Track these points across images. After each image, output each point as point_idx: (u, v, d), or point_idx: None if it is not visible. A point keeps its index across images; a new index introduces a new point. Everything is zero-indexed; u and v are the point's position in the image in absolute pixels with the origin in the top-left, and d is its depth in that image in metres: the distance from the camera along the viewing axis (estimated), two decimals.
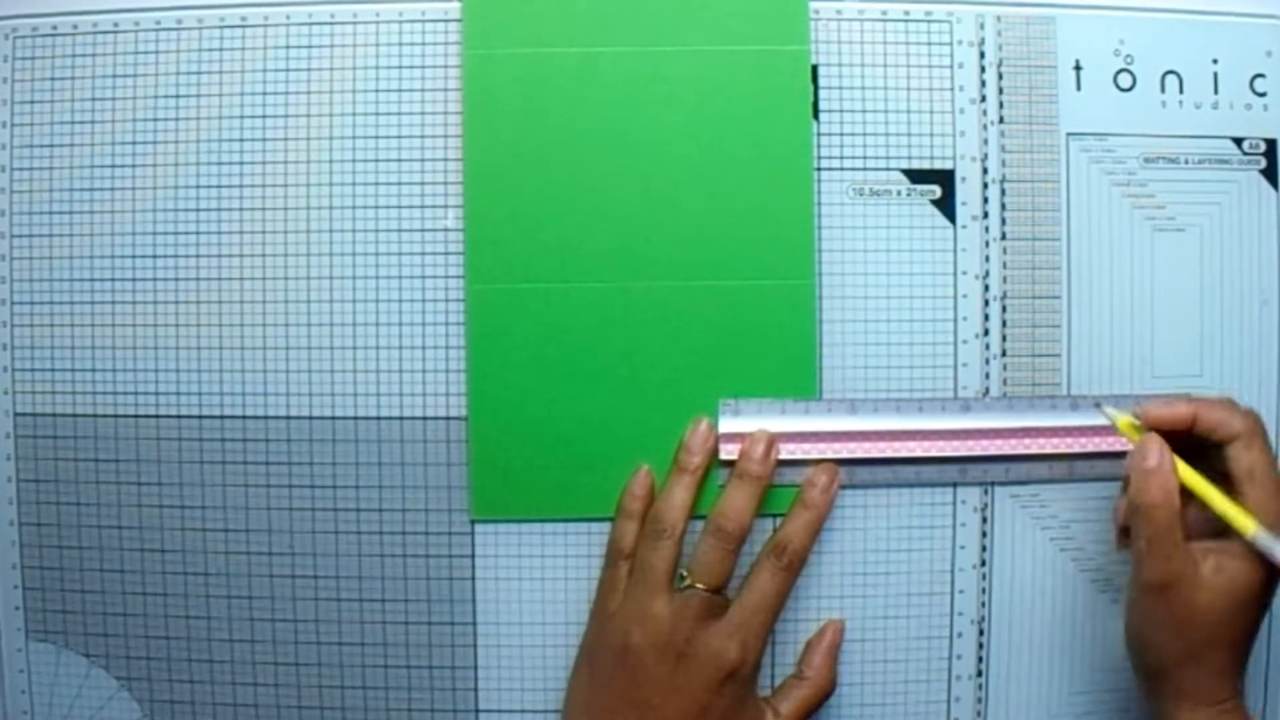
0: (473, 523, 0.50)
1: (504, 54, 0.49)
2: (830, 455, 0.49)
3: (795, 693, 0.48)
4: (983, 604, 0.51)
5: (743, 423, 0.49)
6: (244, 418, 0.50)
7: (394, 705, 0.50)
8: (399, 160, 0.50)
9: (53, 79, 0.50)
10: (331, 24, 0.50)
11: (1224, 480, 0.45)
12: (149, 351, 0.50)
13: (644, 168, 0.49)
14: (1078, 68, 0.51)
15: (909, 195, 0.50)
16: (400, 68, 0.50)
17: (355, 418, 0.50)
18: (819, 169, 0.50)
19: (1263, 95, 0.51)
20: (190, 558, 0.50)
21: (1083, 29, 0.51)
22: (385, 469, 0.50)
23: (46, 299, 0.51)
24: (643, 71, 0.49)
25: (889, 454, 0.49)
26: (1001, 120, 0.50)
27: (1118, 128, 0.51)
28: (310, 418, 0.50)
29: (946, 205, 0.50)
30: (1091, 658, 0.51)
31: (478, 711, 0.50)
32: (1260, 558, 0.43)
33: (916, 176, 0.50)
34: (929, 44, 0.50)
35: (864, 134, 0.50)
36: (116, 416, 0.50)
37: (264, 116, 0.50)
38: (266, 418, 0.50)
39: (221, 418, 0.50)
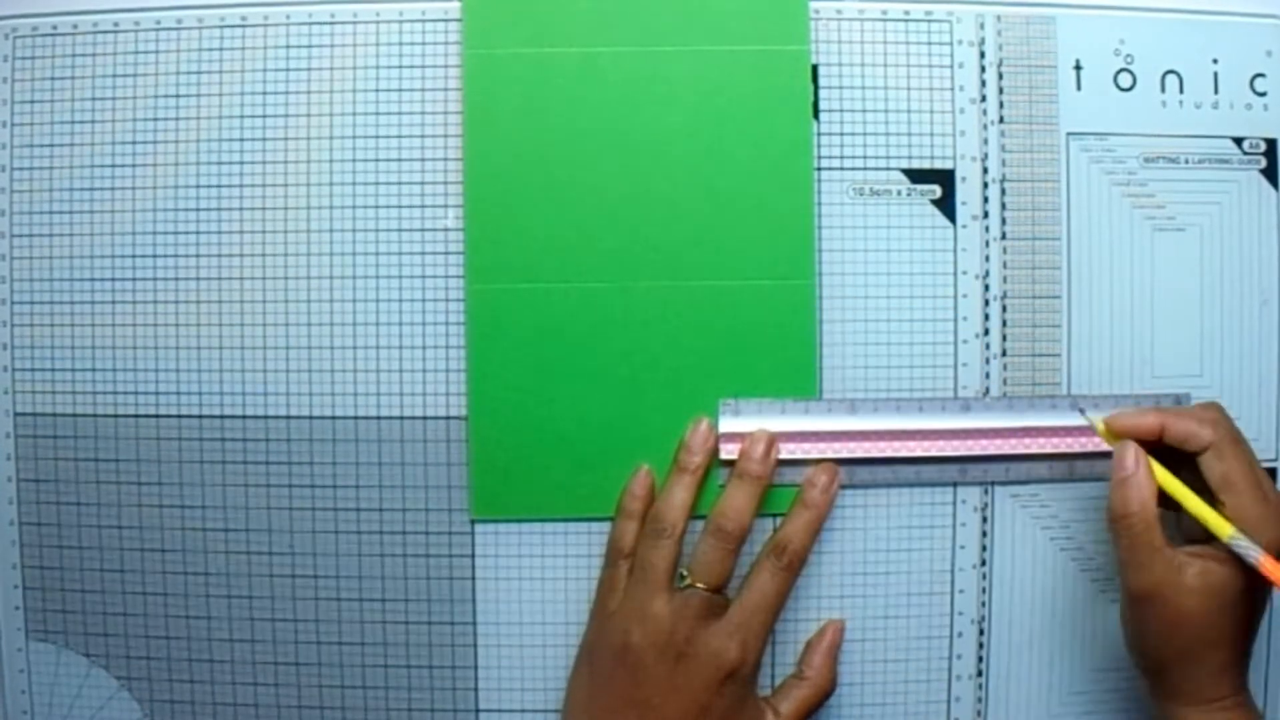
0: (473, 522, 0.50)
1: (504, 54, 0.49)
2: (830, 455, 0.49)
3: (795, 692, 0.48)
4: (983, 604, 0.51)
5: (743, 422, 0.49)
6: (244, 418, 0.50)
7: (394, 705, 0.50)
8: (399, 160, 0.50)
9: (53, 79, 0.50)
10: (331, 24, 0.50)
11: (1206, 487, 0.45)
12: (149, 351, 0.50)
13: (644, 167, 0.49)
14: (1078, 67, 0.50)
15: (909, 195, 0.50)
16: (400, 67, 0.50)
17: (355, 418, 0.50)
18: (819, 169, 0.50)
19: (1263, 95, 0.51)
20: (190, 558, 0.50)
21: (1083, 29, 0.51)
22: (385, 469, 0.50)
23: (46, 299, 0.51)
24: (643, 71, 0.49)
25: (889, 454, 0.49)
26: (1001, 120, 0.50)
27: (1118, 127, 0.51)
28: (310, 418, 0.50)
29: (946, 205, 0.50)
30: (1091, 658, 0.51)
31: (478, 711, 0.50)
32: (1242, 561, 0.43)
33: (916, 176, 0.50)
34: (929, 44, 0.50)
35: (864, 134, 0.50)
36: (116, 416, 0.50)
37: (264, 116, 0.50)
38: (266, 418, 0.50)
39: (221, 418, 0.50)
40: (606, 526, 0.49)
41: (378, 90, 0.50)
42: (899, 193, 0.50)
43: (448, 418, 0.50)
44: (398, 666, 0.50)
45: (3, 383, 0.51)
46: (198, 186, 0.50)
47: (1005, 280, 0.50)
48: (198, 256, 0.50)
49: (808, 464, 0.49)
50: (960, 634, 0.51)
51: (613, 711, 0.46)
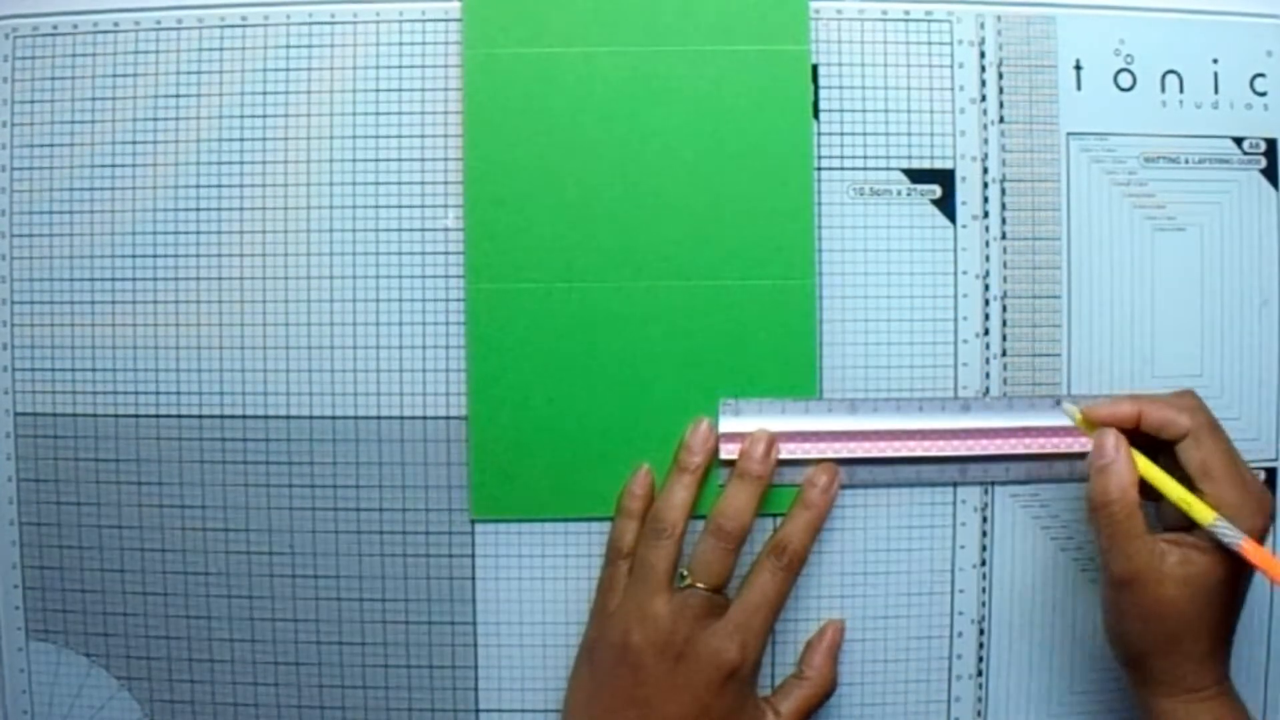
0: (473, 522, 0.50)
1: (504, 54, 0.49)
2: (830, 455, 0.49)
3: (796, 692, 0.48)
4: (983, 603, 0.51)
5: (743, 422, 0.49)
6: (244, 418, 0.50)
7: (394, 705, 0.50)
8: (399, 160, 0.50)
9: (53, 78, 0.50)
10: (331, 23, 0.50)
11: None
12: (149, 351, 0.50)
13: (644, 167, 0.49)
14: (1078, 67, 0.50)
15: (909, 195, 0.50)
16: (400, 67, 0.50)
17: (355, 418, 0.50)
18: (819, 169, 0.50)
19: (1263, 95, 0.51)
20: (190, 558, 0.50)
21: (1083, 29, 0.50)
22: (385, 469, 0.50)
23: (47, 299, 0.51)
24: (643, 71, 0.49)
25: (889, 454, 0.49)
26: (1002, 120, 0.50)
27: (1118, 127, 0.51)
28: (310, 418, 0.50)
29: (947, 205, 0.50)
30: (1091, 657, 0.51)
31: (478, 711, 0.50)
32: (1225, 548, 0.43)
33: (917, 176, 0.50)
34: (929, 44, 0.50)
35: (864, 134, 0.50)
36: (116, 416, 0.50)
37: (264, 116, 0.50)
38: (266, 418, 0.50)
39: (221, 417, 0.50)
40: (606, 526, 0.49)
41: (378, 90, 0.50)
42: (899, 193, 0.50)
43: (448, 418, 0.50)
44: (398, 666, 0.50)
45: (3, 383, 0.51)
46: (198, 186, 0.50)
47: (1005, 280, 0.50)
48: (198, 256, 0.50)
49: (808, 464, 0.49)
50: (960, 634, 0.51)
51: (613, 711, 0.46)
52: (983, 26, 0.50)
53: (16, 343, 0.51)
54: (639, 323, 0.49)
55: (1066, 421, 0.47)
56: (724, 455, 0.49)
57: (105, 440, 0.50)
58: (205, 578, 0.51)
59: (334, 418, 0.50)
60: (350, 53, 0.50)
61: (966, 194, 0.50)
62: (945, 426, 0.49)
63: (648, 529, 0.48)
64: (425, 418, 0.50)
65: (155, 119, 0.50)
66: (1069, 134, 0.50)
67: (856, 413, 0.49)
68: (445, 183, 0.50)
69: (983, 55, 0.50)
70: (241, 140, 0.50)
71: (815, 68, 0.50)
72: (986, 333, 0.50)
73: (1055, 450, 0.50)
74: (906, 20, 0.50)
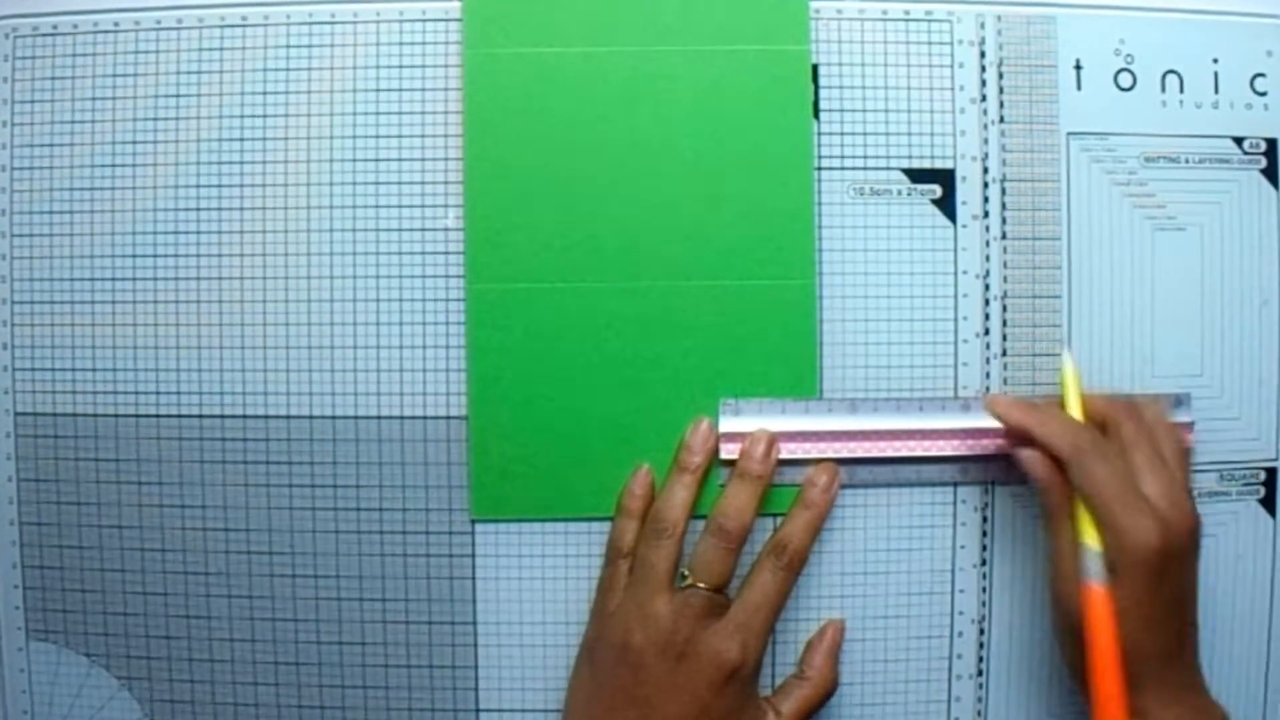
0: (473, 522, 0.50)
1: (504, 54, 0.49)
2: (830, 455, 0.49)
3: (796, 692, 0.48)
4: (983, 603, 0.51)
5: (743, 422, 0.49)
6: (244, 417, 0.50)
7: (394, 705, 0.50)
8: (399, 160, 0.50)
9: (53, 78, 0.50)
10: (331, 23, 0.50)
11: None
12: (149, 351, 0.50)
13: (644, 167, 0.49)
14: (1078, 67, 0.50)
15: (909, 195, 0.50)
16: (400, 67, 0.50)
17: (355, 417, 0.50)
18: (819, 168, 0.50)
19: (1263, 95, 0.51)
20: (190, 557, 0.50)
21: (1083, 28, 0.50)
22: (385, 469, 0.50)
23: (47, 299, 0.51)
24: (643, 71, 0.49)
25: (889, 453, 0.49)
26: (1002, 120, 0.50)
27: (1118, 127, 0.51)
28: (310, 417, 0.50)
29: (947, 205, 0.50)
30: None
31: (478, 711, 0.50)
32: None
33: (917, 176, 0.50)
34: (929, 43, 0.50)
35: (864, 133, 0.50)
36: (116, 416, 0.50)
37: (264, 116, 0.50)
38: (266, 418, 0.50)
39: (221, 417, 0.50)
40: (607, 526, 0.49)
41: (378, 90, 0.50)
42: (899, 192, 0.50)
43: (448, 417, 0.50)
44: (398, 666, 0.50)
45: (3, 383, 0.51)
46: (198, 186, 0.50)
47: (1005, 280, 0.50)
48: (198, 256, 0.50)
49: (808, 464, 0.49)
50: (960, 634, 0.51)
51: (613, 710, 0.46)
52: (983, 26, 0.50)
53: (16, 343, 0.51)
54: (639, 323, 0.49)
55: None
56: (724, 455, 0.49)
57: (105, 440, 0.50)
58: (205, 577, 0.51)
59: (334, 418, 0.50)
60: (350, 52, 0.50)
61: (967, 194, 0.50)
62: (945, 426, 0.49)
63: (648, 529, 0.48)
64: (425, 418, 0.50)
65: (155, 119, 0.50)
66: (1069, 134, 0.50)
67: (857, 412, 0.49)
68: (445, 182, 0.50)
69: (983, 55, 0.50)
70: (242, 140, 0.50)
71: (815, 67, 0.50)
72: (987, 333, 0.50)
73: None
74: (906, 20, 0.50)
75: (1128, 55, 0.51)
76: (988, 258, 0.50)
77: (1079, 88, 0.50)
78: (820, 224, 0.50)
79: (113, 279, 0.50)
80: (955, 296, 0.50)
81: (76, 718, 0.51)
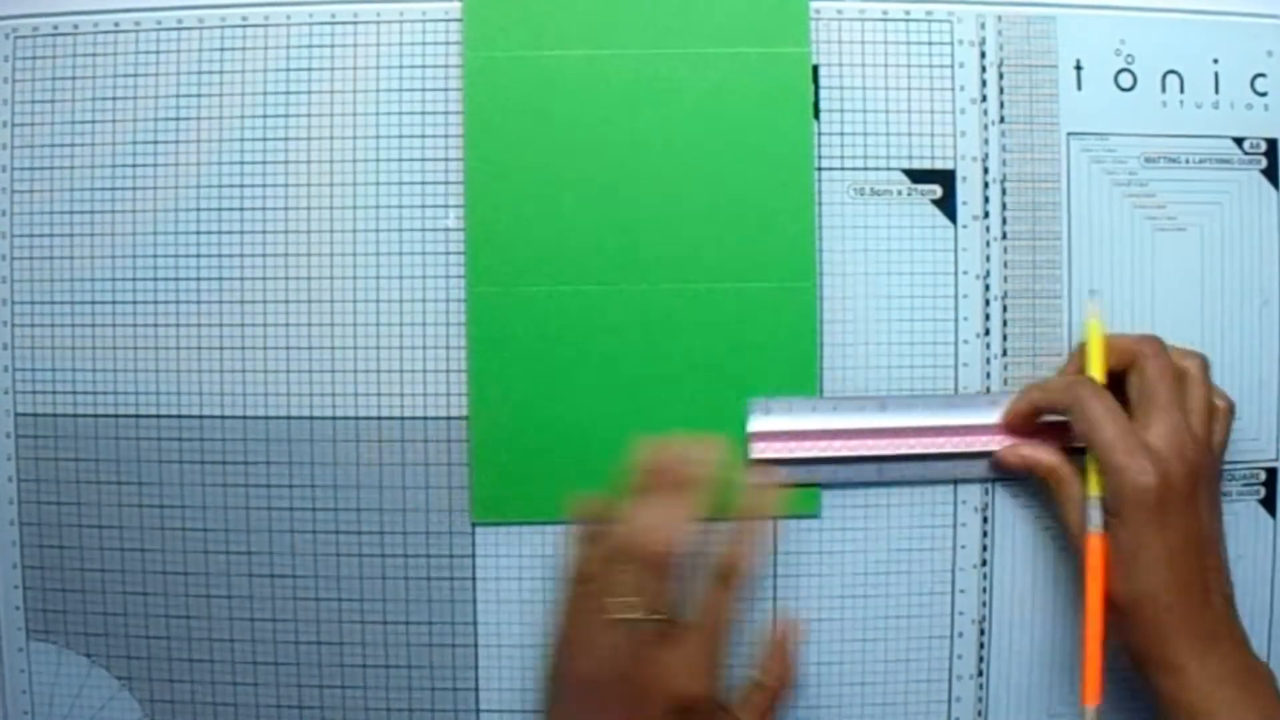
0: (473, 524, 0.50)
1: (505, 56, 0.49)
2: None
3: (756, 698, 0.47)
4: (984, 603, 0.51)
5: (773, 421, 0.49)
6: (244, 418, 0.50)
7: (394, 705, 0.50)
8: (400, 160, 0.50)
9: (54, 79, 0.50)
10: (332, 24, 0.50)
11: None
12: (149, 352, 0.50)
13: (645, 169, 0.49)
14: (1078, 67, 0.51)
15: (909, 195, 0.50)
16: (401, 67, 0.50)
17: (355, 418, 0.50)
18: (820, 169, 0.50)
19: (1263, 95, 0.51)
20: (190, 557, 0.50)
21: (1083, 29, 0.51)
22: (385, 469, 0.50)
23: (47, 299, 0.51)
24: (644, 73, 0.49)
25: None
26: (1002, 120, 0.50)
27: (1118, 127, 0.51)
28: (310, 418, 0.50)
29: (947, 205, 0.50)
30: None
31: (478, 712, 0.50)
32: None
33: (917, 176, 0.50)
34: (929, 44, 0.50)
35: (864, 134, 0.50)
36: (117, 416, 0.50)
37: (265, 117, 0.50)
38: (266, 418, 0.50)
39: (222, 418, 0.50)
40: None
41: (378, 90, 0.50)
42: (899, 193, 0.50)
43: (448, 418, 0.50)
44: (398, 667, 0.50)
45: (3, 383, 0.51)
46: (198, 187, 0.50)
47: (1006, 280, 0.50)
48: (198, 257, 0.50)
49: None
50: (961, 634, 0.51)
51: None
52: (983, 26, 0.50)
53: (17, 343, 0.51)
54: (640, 325, 0.49)
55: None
56: (755, 455, 0.49)
57: (105, 440, 0.50)
58: (205, 578, 0.50)
59: (334, 418, 0.50)
60: (351, 53, 0.50)
61: (967, 194, 0.50)
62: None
63: (602, 554, 0.45)
64: (425, 418, 0.50)
65: (156, 119, 0.50)
66: (1069, 134, 0.50)
67: (886, 410, 0.49)
68: (446, 183, 0.50)
69: (983, 55, 0.50)
70: (242, 140, 0.50)
71: (816, 68, 0.50)
72: (987, 332, 0.50)
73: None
74: (907, 20, 0.50)
75: (1128, 55, 0.51)
76: (988, 258, 0.50)
77: (1079, 88, 0.50)
78: (821, 224, 0.50)
79: (113, 279, 0.50)
80: (955, 296, 0.50)
81: (76, 718, 0.51)
